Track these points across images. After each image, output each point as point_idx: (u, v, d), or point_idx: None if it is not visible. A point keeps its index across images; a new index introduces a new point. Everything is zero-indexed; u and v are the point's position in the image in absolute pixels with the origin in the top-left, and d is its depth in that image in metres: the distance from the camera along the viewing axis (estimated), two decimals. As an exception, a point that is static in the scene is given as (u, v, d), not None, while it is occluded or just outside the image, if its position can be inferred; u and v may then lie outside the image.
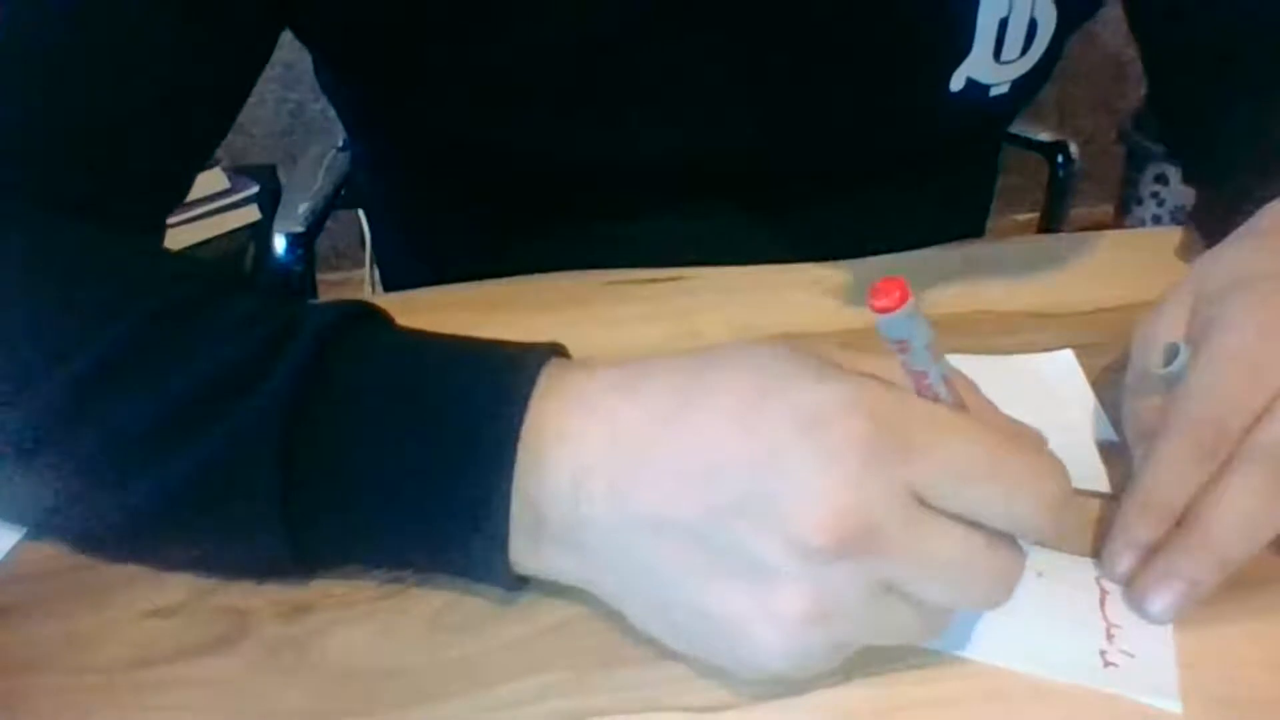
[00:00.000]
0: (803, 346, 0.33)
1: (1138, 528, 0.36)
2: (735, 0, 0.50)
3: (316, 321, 0.35)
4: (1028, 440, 0.32)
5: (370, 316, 0.37)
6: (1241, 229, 0.44)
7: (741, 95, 0.54)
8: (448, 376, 0.34)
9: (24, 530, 0.38)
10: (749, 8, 0.51)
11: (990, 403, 0.33)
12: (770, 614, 0.29)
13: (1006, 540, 0.30)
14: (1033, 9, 0.52)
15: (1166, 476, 0.36)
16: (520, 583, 0.35)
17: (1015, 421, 0.34)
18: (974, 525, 0.30)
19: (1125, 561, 0.36)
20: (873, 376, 0.31)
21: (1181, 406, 0.37)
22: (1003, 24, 0.51)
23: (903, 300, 0.28)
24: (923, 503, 0.29)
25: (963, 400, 0.31)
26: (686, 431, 0.31)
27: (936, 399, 0.30)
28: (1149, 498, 0.36)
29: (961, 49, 0.52)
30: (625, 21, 0.50)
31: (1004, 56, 0.53)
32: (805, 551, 0.28)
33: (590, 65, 0.51)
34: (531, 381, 0.33)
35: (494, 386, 0.33)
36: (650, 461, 0.31)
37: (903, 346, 0.29)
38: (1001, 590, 0.31)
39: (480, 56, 0.50)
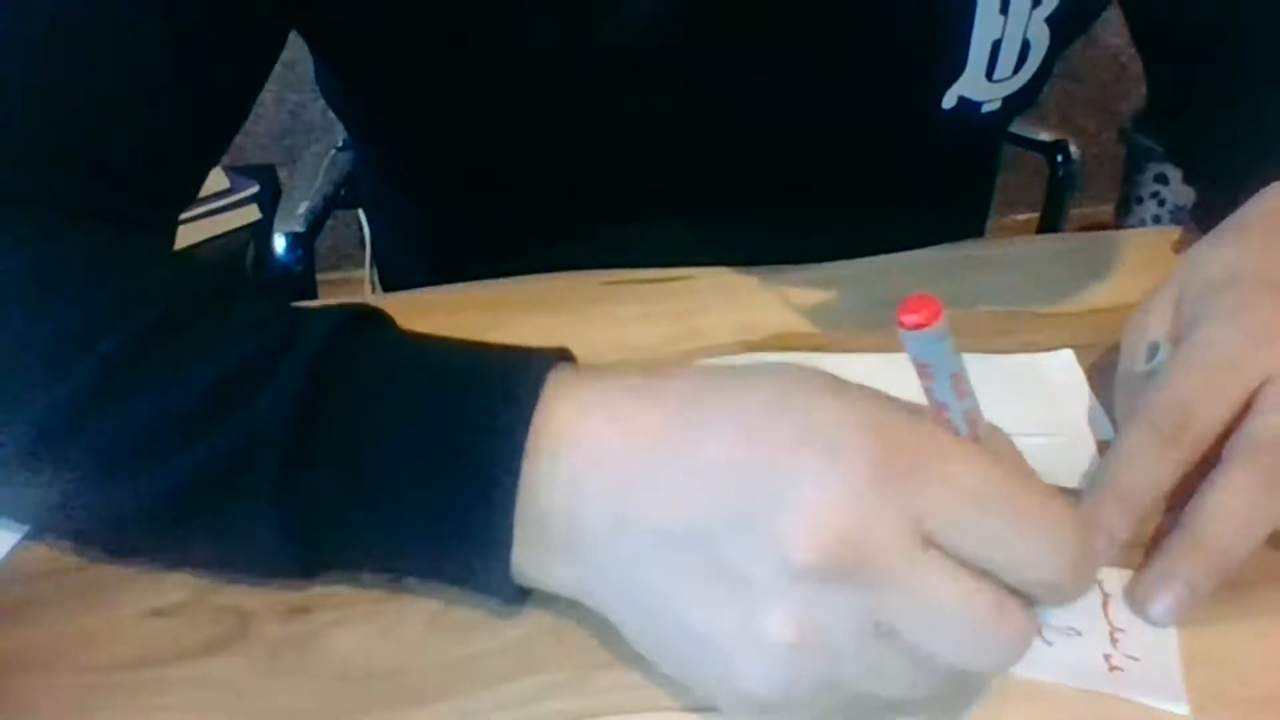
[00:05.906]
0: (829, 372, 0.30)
1: (1105, 517, 0.36)
2: (729, 33, 0.50)
3: (320, 327, 0.34)
4: (1051, 492, 0.29)
5: (373, 321, 0.36)
6: (1225, 222, 0.44)
7: (734, 118, 0.54)
8: (452, 385, 0.34)
9: (24, 530, 0.38)
10: (741, 42, 0.51)
11: (1018, 452, 0.30)
12: (752, 636, 0.28)
13: (1019, 600, 0.28)
14: (1026, 30, 0.51)
15: (1127, 465, 0.36)
16: (520, 596, 0.34)
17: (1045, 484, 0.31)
18: (984, 577, 0.27)
19: (1101, 552, 0.35)
20: (897, 400, 0.29)
21: (1149, 399, 0.37)
22: (995, 45, 0.51)
23: (932, 320, 0.26)
24: (929, 542, 0.27)
25: (982, 438, 0.29)
26: (694, 440, 0.30)
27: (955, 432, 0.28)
28: (1113, 490, 0.36)
29: (954, 70, 0.52)
30: (615, 60, 0.50)
31: (996, 75, 0.52)
32: (790, 570, 0.27)
33: (588, 95, 0.52)
34: (537, 389, 0.32)
35: (500, 395, 0.33)
36: (653, 469, 0.30)
37: (925, 371, 0.27)
38: (1007, 654, 0.28)
39: (478, 76, 0.51)
